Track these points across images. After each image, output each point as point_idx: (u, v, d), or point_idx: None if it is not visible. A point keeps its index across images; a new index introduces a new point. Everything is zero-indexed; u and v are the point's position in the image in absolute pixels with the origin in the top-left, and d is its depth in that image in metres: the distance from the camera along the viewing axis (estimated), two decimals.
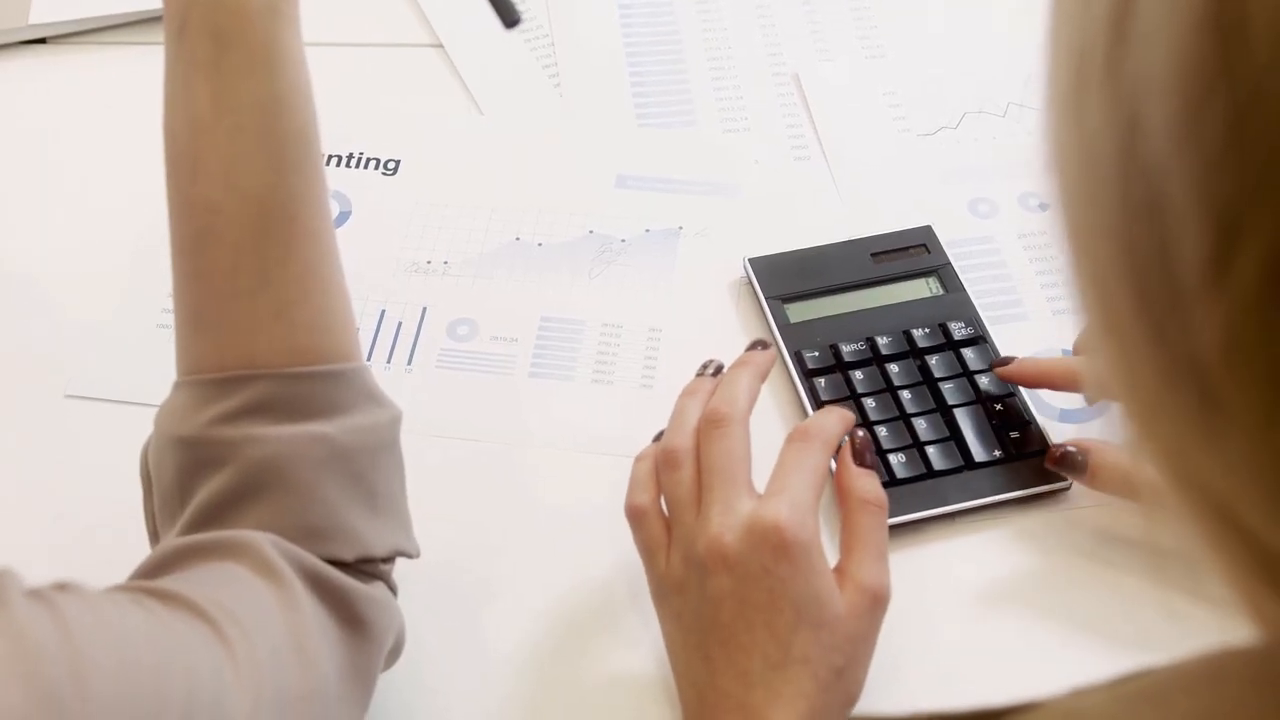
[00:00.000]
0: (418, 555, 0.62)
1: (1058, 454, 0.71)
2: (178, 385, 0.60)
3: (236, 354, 0.58)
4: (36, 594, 0.46)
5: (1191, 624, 0.69)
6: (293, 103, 0.59)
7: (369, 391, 0.61)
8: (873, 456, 0.66)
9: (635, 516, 0.66)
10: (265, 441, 0.56)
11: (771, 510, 0.61)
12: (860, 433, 0.66)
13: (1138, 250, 0.27)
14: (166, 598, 0.50)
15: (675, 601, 0.64)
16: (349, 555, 0.58)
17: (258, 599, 0.53)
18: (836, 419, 0.66)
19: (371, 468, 0.59)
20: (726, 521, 0.61)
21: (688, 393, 0.69)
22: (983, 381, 0.78)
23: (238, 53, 0.58)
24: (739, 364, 0.69)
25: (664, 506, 0.66)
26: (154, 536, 0.62)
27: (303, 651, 0.53)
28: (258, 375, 0.57)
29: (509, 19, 0.69)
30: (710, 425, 0.65)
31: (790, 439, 0.65)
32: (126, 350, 0.82)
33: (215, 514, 0.57)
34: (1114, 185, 0.28)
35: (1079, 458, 0.70)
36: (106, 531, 0.74)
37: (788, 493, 0.62)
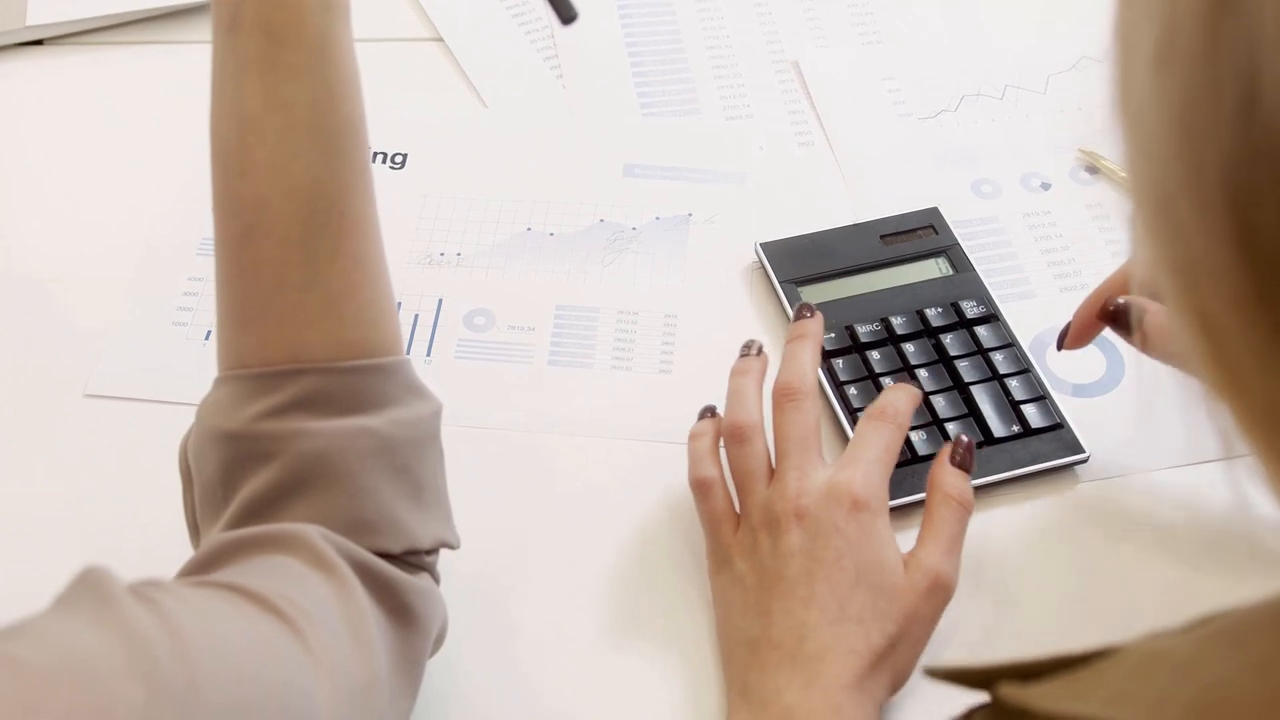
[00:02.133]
0: (459, 546, 0.63)
1: (1111, 307, 0.69)
2: (221, 380, 0.60)
3: (283, 348, 0.58)
4: (138, 593, 0.46)
5: (1203, 592, 0.71)
6: (344, 95, 0.59)
7: (412, 384, 0.61)
8: (971, 461, 0.68)
9: (703, 488, 0.69)
10: (314, 435, 0.57)
11: (846, 476, 0.65)
12: (965, 438, 0.69)
13: (1248, 200, 0.28)
14: (247, 594, 0.50)
15: (740, 566, 0.66)
16: (396, 548, 0.58)
17: (316, 592, 0.53)
18: (906, 396, 0.70)
19: (417, 460, 0.60)
20: (804, 485, 0.66)
21: (739, 372, 0.72)
22: (997, 358, 0.79)
23: (292, 50, 0.58)
24: (798, 337, 0.72)
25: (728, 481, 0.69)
26: (194, 530, 0.62)
27: (362, 644, 0.53)
28: (306, 370, 0.57)
29: (566, 15, 0.70)
30: (784, 398, 0.69)
31: (867, 415, 0.69)
32: (144, 348, 0.83)
33: (262, 508, 0.57)
34: (1222, 134, 0.29)
35: (1134, 314, 0.68)
36: (132, 528, 0.74)
37: (861, 464, 0.66)
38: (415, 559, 0.60)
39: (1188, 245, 0.31)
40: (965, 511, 0.67)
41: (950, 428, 0.76)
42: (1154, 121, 0.31)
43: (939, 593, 0.65)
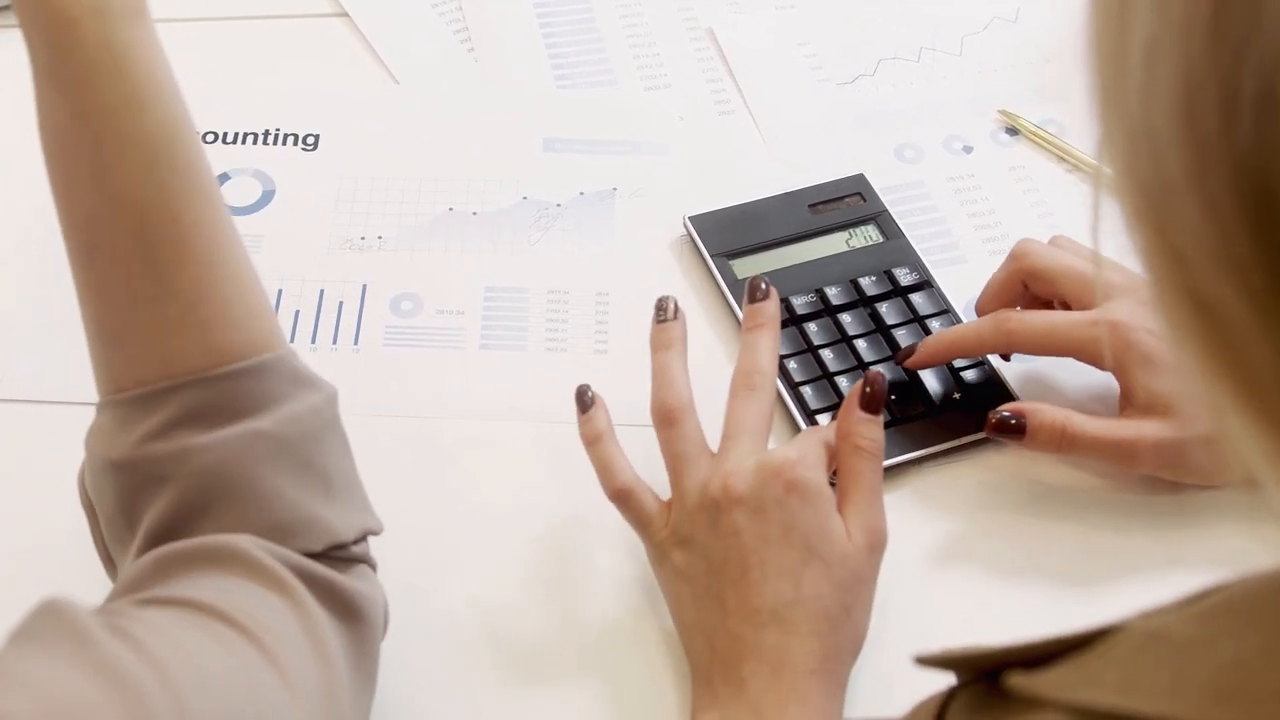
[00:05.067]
0: (382, 530, 0.61)
1: (995, 421, 0.70)
2: (101, 406, 0.57)
3: (153, 366, 0.55)
4: (110, 626, 0.44)
5: (1152, 550, 0.72)
6: (145, 102, 0.55)
7: (297, 376, 0.58)
8: (881, 403, 0.66)
9: (623, 497, 0.66)
10: (204, 450, 0.54)
11: (781, 452, 0.64)
12: (877, 377, 0.66)
13: (1267, 187, 0.28)
14: (213, 613, 0.48)
15: (679, 556, 0.64)
16: (318, 545, 0.56)
17: (271, 606, 0.51)
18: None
19: (319, 453, 0.58)
20: (740, 464, 0.64)
21: (662, 345, 0.69)
22: (934, 325, 0.79)
23: (73, 60, 0.54)
24: (757, 326, 0.69)
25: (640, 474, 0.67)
26: (107, 563, 0.60)
27: (322, 655, 0.52)
28: (179, 384, 0.55)
29: None
30: (743, 387, 0.67)
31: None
32: (50, 347, 0.79)
33: (170, 533, 0.55)
34: (1238, 124, 0.28)
35: (1015, 421, 0.70)
36: (47, 539, 0.71)
37: (796, 444, 0.65)
38: (343, 553, 0.58)
39: (1189, 232, 0.30)
40: (876, 459, 0.65)
41: (891, 399, 0.75)
42: (1150, 109, 0.31)
43: (877, 551, 0.64)
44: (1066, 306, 0.74)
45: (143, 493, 0.55)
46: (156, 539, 0.54)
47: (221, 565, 0.53)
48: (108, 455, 0.56)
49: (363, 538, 0.59)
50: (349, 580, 0.56)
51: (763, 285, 0.70)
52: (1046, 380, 0.78)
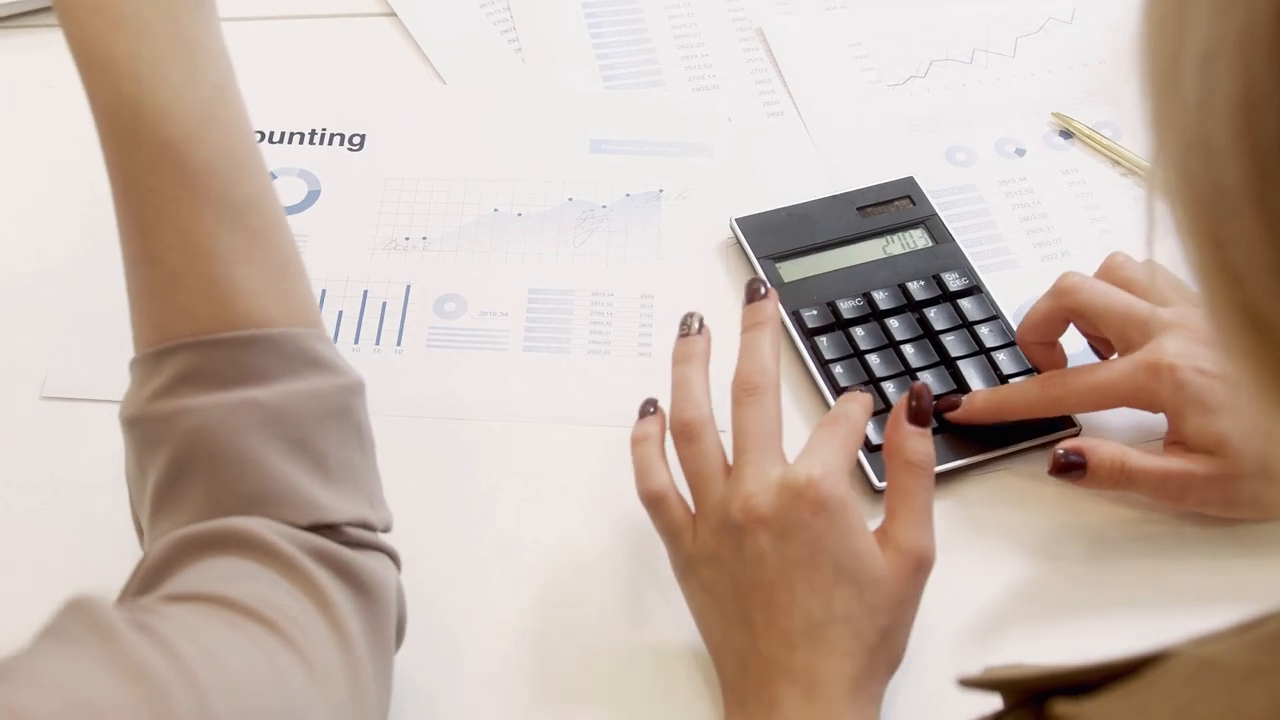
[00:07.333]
0: (387, 528, 0.60)
1: (1056, 462, 0.69)
2: (129, 365, 0.58)
3: (160, 326, 0.56)
4: (136, 624, 0.44)
5: (1200, 559, 0.70)
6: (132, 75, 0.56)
7: (310, 358, 0.58)
8: (929, 415, 0.64)
9: (654, 502, 0.65)
10: (195, 411, 0.55)
11: (804, 468, 0.61)
12: (921, 388, 0.64)
13: None
14: (239, 608, 0.48)
15: (706, 573, 0.63)
16: (302, 520, 0.55)
17: (291, 596, 0.51)
18: (859, 406, 0.66)
19: (317, 434, 0.57)
20: (760, 484, 0.62)
21: (683, 359, 0.68)
22: (983, 332, 0.77)
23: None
24: (755, 325, 0.68)
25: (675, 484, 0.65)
26: (139, 531, 0.60)
27: (345, 644, 0.52)
28: (179, 345, 0.55)
29: None
30: (744, 393, 0.65)
31: (820, 424, 0.65)
32: (101, 346, 0.79)
33: (166, 492, 0.55)
34: None
35: (1077, 459, 0.68)
36: (94, 537, 0.71)
37: (818, 457, 0.62)
38: (355, 535, 0.57)
39: (1245, 248, 0.30)
40: (929, 475, 0.63)
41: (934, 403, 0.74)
42: (1207, 121, 0.29)
43: (923, 572, 0.62)
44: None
45: (148, 451, 0.56)
46: (158, 498, 0.55)
47: (236, 551, 0.53)
48: (123, 413, 0.57)
49: (359, 526, 0.58)
50: (360, 557, 0.56)
51: (762, 287, 0.69)
52: None
